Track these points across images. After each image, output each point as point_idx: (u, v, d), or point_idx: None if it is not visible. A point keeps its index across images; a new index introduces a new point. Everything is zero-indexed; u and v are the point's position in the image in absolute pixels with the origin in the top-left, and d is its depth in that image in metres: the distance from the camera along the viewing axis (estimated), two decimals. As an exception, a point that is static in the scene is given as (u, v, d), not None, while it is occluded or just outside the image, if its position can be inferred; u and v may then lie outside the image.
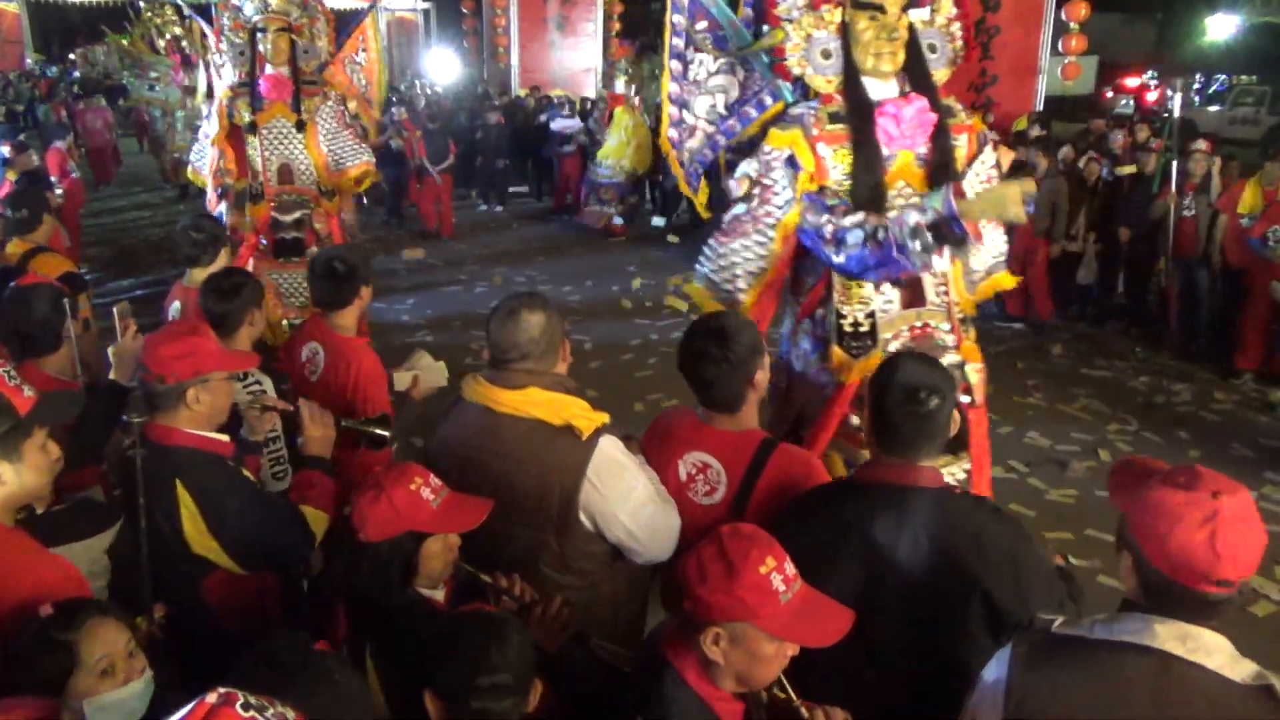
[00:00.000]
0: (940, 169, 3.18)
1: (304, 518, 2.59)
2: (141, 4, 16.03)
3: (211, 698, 1.30)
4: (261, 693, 1.34)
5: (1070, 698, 1.63)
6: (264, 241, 6.12)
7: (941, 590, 2.07)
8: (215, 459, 2.51)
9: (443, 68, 22.84)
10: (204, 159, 6.09)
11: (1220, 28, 22.07)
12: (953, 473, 3.27)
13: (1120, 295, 8.88)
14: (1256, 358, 7.39)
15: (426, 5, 27.61)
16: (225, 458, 2.55)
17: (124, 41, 16.37)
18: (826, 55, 3.21)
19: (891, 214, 3.03)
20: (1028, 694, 1.66)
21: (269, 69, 5.95)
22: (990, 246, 3.48)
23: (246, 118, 5.95)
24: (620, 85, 12.47)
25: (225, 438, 2.58)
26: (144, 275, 10.33)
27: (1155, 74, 27.01)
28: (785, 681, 1.85)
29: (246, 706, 1.30)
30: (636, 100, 12.54)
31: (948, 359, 3.16)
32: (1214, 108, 23.49)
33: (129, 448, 2.38)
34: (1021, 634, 1.79)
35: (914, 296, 3.28)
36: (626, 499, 2.38)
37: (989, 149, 3.41)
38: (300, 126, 6.05)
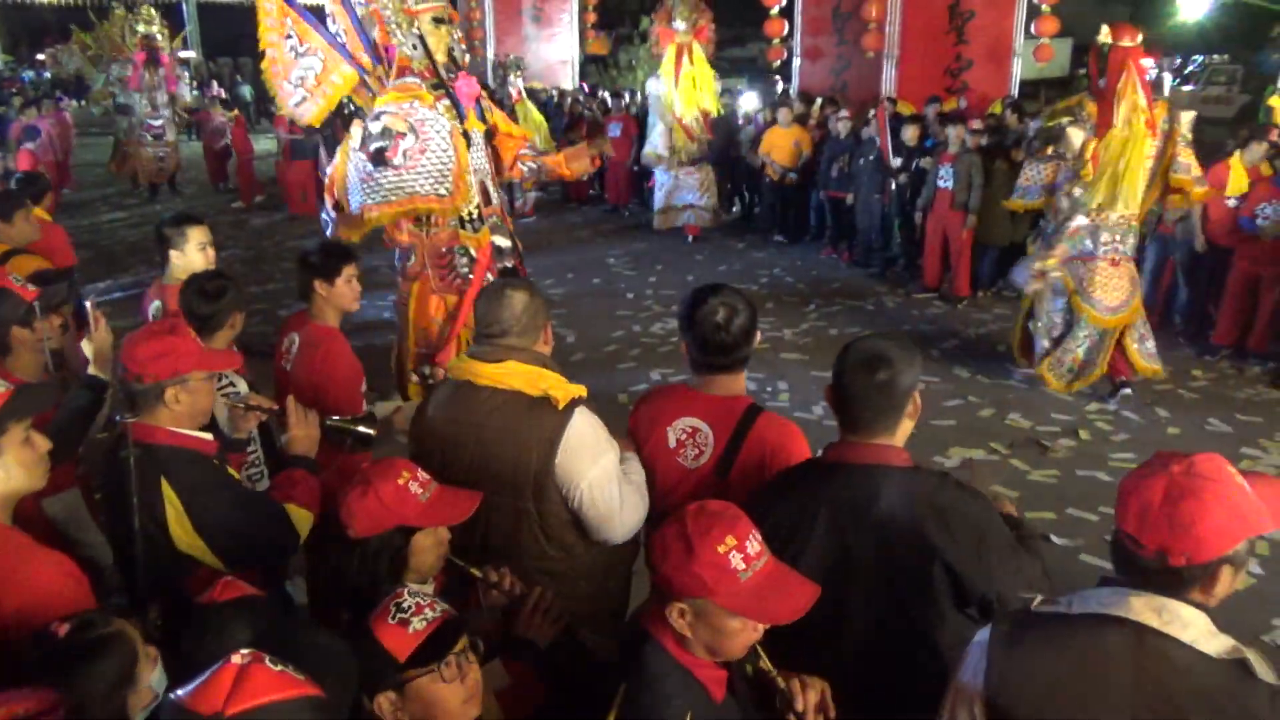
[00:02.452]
0: None
1: (288, 516, 2.59)
2: (111, 3, 15.91)
3: (237, 659, 1.34)
4: (240, 646, 1.37)
5: (1049, 673, 1.65)
6: (489, 276, 4.97)
7: (907, 565, 2.11)
8: (199, 457, 2.51)
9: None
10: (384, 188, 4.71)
11: (1192, 7, 22.20)
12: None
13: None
14: (1232, 334, 7.48)
15: (400, 0, 27.44)
16: (209, 456, 2.55)
17: (88, 40, 16.22)
18: None
19: None
20: (1008, 672, 1.69)
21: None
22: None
23: (455, 127, 4.83)
24: (518, 82, 13.42)
25: (209, 436, 2.58)
26: (122, 276, 10.27)
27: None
28: (763, 653, 1.88)
29: (275, 662, 1.35)
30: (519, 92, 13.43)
31: None
32: (1188, 87, 23.65)
33: (120, 448, 2.38)
34: (1002, 613, 1.82)
35: None
36: (590, 469, 2.48)
37: None
38: (490, 137, 5.06)
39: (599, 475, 2.49)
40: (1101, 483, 5.46)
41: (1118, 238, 6.32)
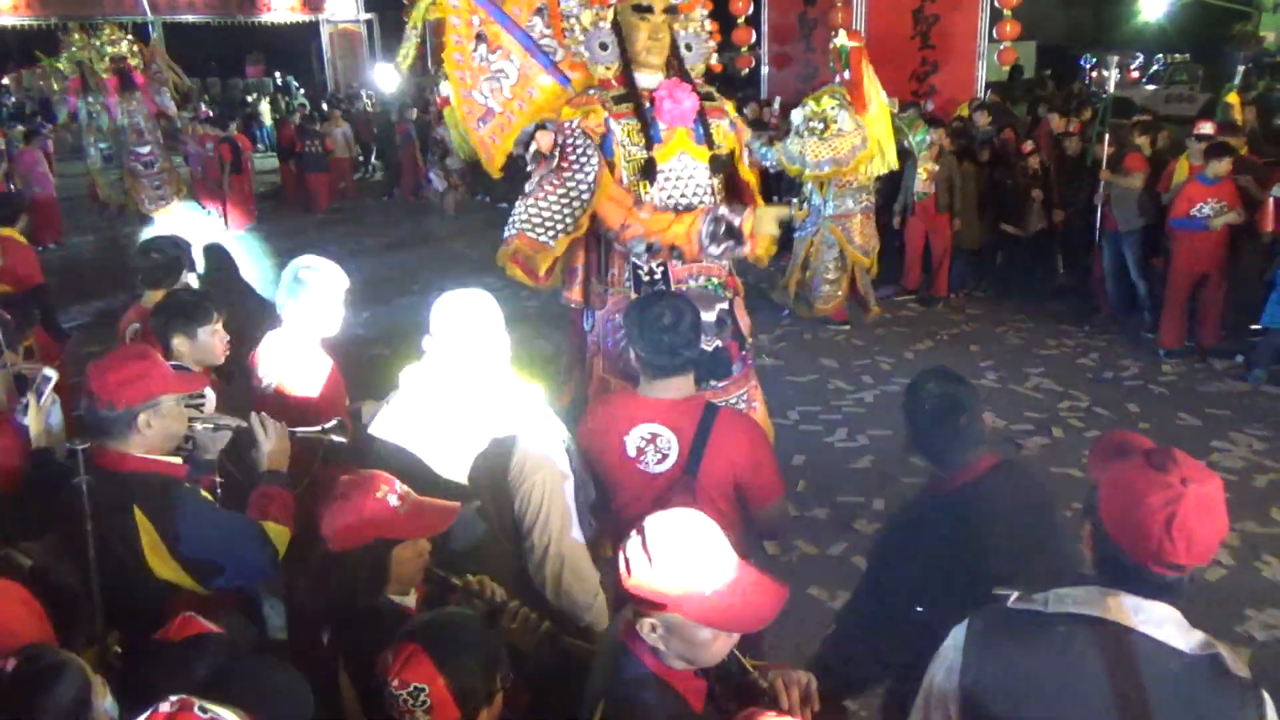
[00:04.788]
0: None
1: (266, 533, 2.57)
2: (69, 25, 15.61)
3: (165, 706, 1.31)
4: (196, 686, 1.36)
5: (1023, 670, 1.67)
6: None
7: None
8: (171, 481, 2.48)
9: (387, 79, 22.72)
10: (558, 225, 3.62)
11: (1152, 7, 22.50)
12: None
13: (1062, 276, 9.07)
14: (1180, 338, 7.51)
15: (369, 17, 27.39)
16: (181, 480, 2.52)
17: (59, 65, 15.89)
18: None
19: None
20: (982, 668, 1.70)
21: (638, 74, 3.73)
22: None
23: (638, 155, 3.62)
24: (446, 89, 13.62)
25: (178, 460, 2.55)
26: (91, 301, 10.18)
27: (1094, 56, 27.51)
28: (740, 657, 1.88)
29: (204, 710, 1.32)
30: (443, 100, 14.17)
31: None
32: (1151, 86, 23.96)
33: (73, 476, 2.32)
34: (978, 610, 1.83)
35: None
36: (541, 468, 2.52)
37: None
38: (718, 166, 3.79)
39: (547, 476, 2.53)
40: (1075, 479, 5.50)
41: (866, 196, 8.11)
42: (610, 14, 3.64)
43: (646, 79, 3.67)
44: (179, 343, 3.29)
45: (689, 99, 3.65)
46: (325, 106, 22.76)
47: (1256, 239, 7.30)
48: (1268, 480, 5.49)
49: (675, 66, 3.78)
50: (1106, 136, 7.95)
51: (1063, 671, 1.63)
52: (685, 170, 3.66)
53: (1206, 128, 7.84)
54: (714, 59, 3.95)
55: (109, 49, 13.71)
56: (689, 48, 3.82)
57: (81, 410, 2.50)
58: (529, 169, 3.69)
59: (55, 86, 15.85)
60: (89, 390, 2.41)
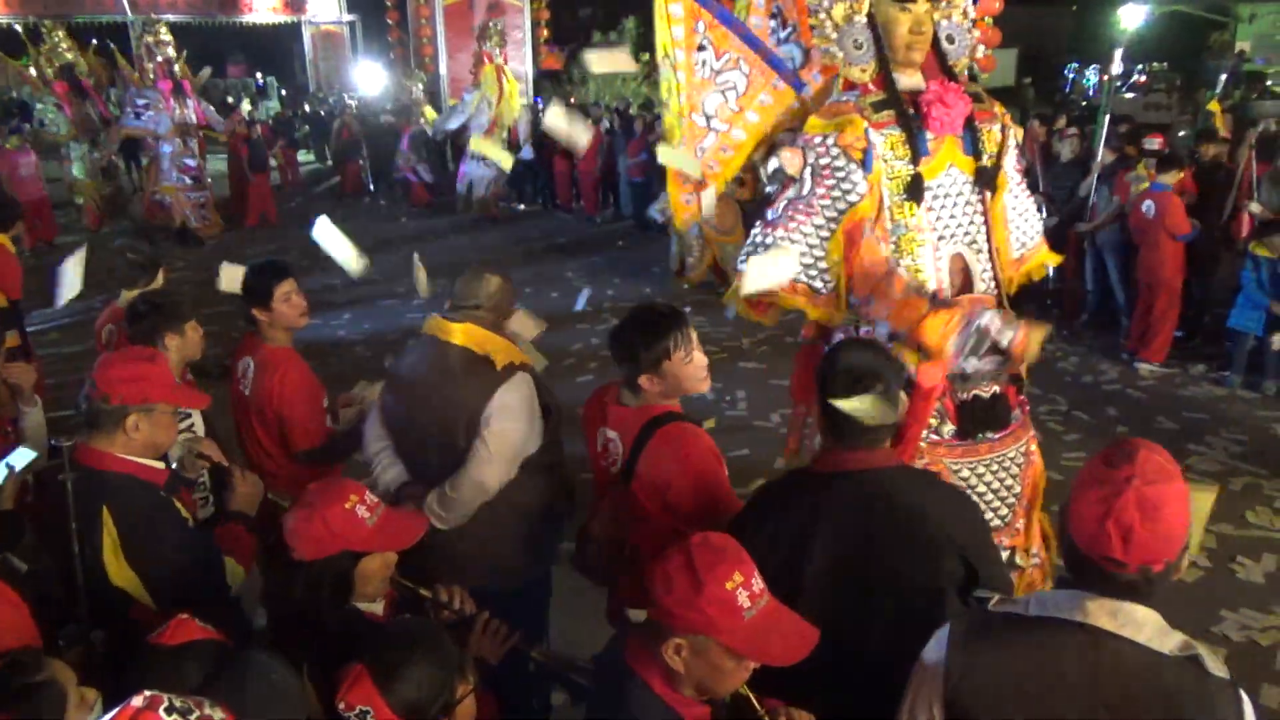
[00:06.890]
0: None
1: (224, 568, 2.54)
2: (41, 26, 15.36)
3: (137, 701, 1.31)
4: (189, 691, 1.35)
5: (1006, 673, 1.68)
6: (943, 410, 3.20)
7: (926, 560, 2.13)
8: (146, 487, 2.46)
9: (370, 80, 22.69)
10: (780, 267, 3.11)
11: (1131, 17, 22.77)
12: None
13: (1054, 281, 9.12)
14: (1162, 352, 7.54)
15: (352, 18, 27.32)
16: (157, 487, 2.50)
17: (23, 66, 15.58)
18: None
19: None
20: (966, 671, 1.71)
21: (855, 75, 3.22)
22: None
23: (903, 171, 3.13)
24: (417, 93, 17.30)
25: (160, 465, 2.53)
26: (72, 302, 10.08)
27: (1075, 63, 27.77)
28: (747, 691, 1.86)
29: (170, 710, 1.31)
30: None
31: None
32: (1130, 94, 24.21)
33: (60, 471, 2.33)
34: (960, 613, 1.84)
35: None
36: (501, 397, 2.83)
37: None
38: (985, 179, 3.24)
39: (508, 428, 2.82)
40: (1054, 481, 5.52)
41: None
42: (865, 6, 3.15)
43: (906, 80, 3.17)
44: (171, 341, 3.30)
45: (960, 103, 3.12)
46: (307, 107, 22.66)
47: (1232, 246, 7.40)
48: (1243, 484, 5.56)
49: (937, 64, 3.24)
50: (1103, 136, 8.02)
51: (1045, 675, 1.64)
52: (954, 186, 3.20)
53: (1154, 143, 7.93)
54: (980, 52, 3.38)
55: (161, 50, 13.02)
56: (950, 40, 3.27)
57: (80, 398, 2.50)
58: (768, 190, 3.26)
59: (31, 86, 15.48)
60: (91, 378, 2.44)
